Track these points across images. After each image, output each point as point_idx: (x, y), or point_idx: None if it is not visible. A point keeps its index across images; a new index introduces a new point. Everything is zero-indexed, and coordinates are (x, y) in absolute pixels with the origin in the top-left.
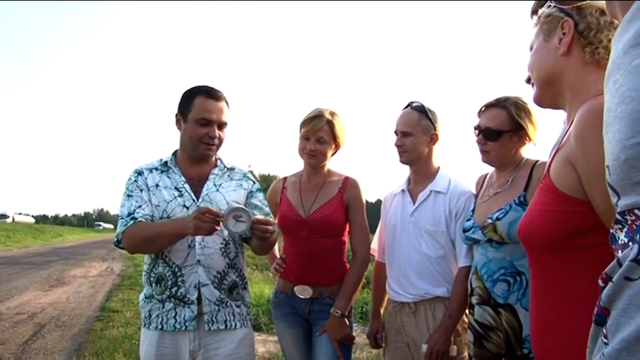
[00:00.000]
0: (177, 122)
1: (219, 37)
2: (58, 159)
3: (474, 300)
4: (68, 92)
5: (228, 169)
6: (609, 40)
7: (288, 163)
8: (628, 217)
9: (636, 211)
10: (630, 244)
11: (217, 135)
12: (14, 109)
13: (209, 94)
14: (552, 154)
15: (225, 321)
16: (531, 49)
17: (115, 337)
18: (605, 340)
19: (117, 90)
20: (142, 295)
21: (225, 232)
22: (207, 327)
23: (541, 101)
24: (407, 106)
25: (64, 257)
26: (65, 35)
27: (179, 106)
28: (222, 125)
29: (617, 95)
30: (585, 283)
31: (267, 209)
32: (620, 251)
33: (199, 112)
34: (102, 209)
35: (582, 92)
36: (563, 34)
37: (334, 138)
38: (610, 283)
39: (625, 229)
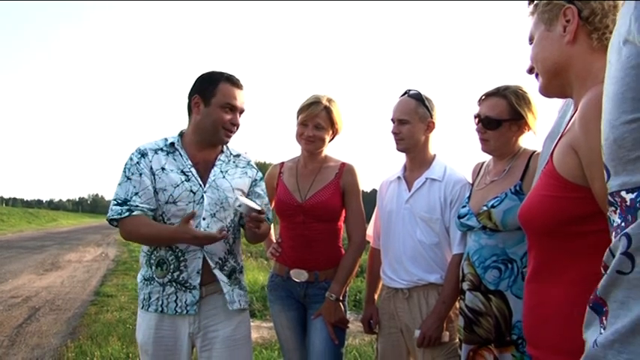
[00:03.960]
0: (196, 105)
1: (212, 22)
2: (53, 144)
3: (465, 286)
4: (62, 76)
5: (234, 155)
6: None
7: (283, 151)
8: (618, 199)
9: (622, 192)
10: (623, 224)
11: (239, 122)
12: (8, 93)
13: (233, 81)
14: (555, 142)
15: (239, 301)
16: (531, 39)
17: (109, 321)
18: (604, 331)
19: (112, 74)
20: (140, 277)
21: (228, 219)
22: (230, 307)
23: (548, 92)
24: (404, 94)
25: (58, 242)
26: (59, 19)
27: (198, 90)
28: (242, 112)
29: (609, 76)
30: (582, 268)
31: (267, 199)
32: (614, 233)
33: (225, 97)
34: (97, 194)
35: (590, 79)
36: (567, 21)
37: (332, 124)
38: (605, 275)
39: (618, 211)
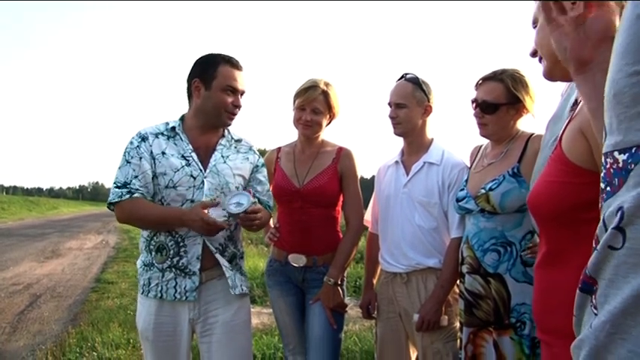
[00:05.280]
0: (196, 89)
1: (209, 8)
2: (53, 132)
3: (465, 269)
4: (62, 64)
5: (235, 140)
6: (622, 7)
7: (282, 138)
8: (608, 160)
9: (615, 153)
10: (608, 189)
11: (241, 104)
12: (10, 80)
13: (232, 63)
14: (564, 127)
15: (240, 285)
16: (534, 22)
17: (110, 308)
18: (595, 311)
19: (112, 63)
20: (139, 262)
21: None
22: (233, 292)
23: (552, 75)
24: (401, 78)
25: (59, 230)
26: (60, 9)
27: (197, 73)
28: (242, 94)
29: (619, 31)
30: (590, 254)
31: (268, 185)
32: (601, 198)
33: (226, 80)
34: (97, 182)
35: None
36: (573, 3)
37: (329, 108)
38: (595, 252)
39: (602, 174)
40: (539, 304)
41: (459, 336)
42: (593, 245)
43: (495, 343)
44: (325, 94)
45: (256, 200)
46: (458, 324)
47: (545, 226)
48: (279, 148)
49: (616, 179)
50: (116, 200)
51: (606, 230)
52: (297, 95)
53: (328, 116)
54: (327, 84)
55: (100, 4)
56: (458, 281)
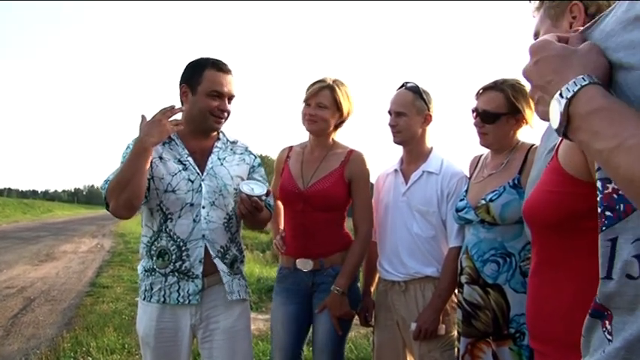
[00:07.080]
0: (184, 94)
1: (212, 11)
2: (48, 134)
3: (464, 279)
4: (58, 65)
5: (230, 142)
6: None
7: (284, 144)
8: (608, 185)
9: None
10: (608, 213)
11: (228, 108)
12: (5, 81)
13: (219, 66)
14: (560, 138)
15: (238, 291)
16: (536, 35)
17: (105, 312)
18: (610, 337)
19: (110, 63)
20: (140, 268)
21: (229, 207)
22: (230, 297)
23: None
24: (401, 87)
25: (53, 233)
26: (57, 12)
27: (185, 79)
28: (231, 98)
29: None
30: (587, 263)
31: (267, 185)
32: (600, 222)
33: (211, 84)
34: (92, 186)
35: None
36: (573, 17)
37: (336, 105)
38: (611, 281)
39: (599, 198)
40: (532, 311)
41: (457, 345)
42: (600, 274)
43: (494, 353)
44: (332, 90)
45: (265, 198)
46: (455, 333)
47: (540, 235)
48: (291, 147)
49: (621, 205)
50: (104, 195)
51: (612, 257)
52: (306, 91)
53: (337, 115)
54: (335, 81)
55: (98, 4)
56: (456, 291)
